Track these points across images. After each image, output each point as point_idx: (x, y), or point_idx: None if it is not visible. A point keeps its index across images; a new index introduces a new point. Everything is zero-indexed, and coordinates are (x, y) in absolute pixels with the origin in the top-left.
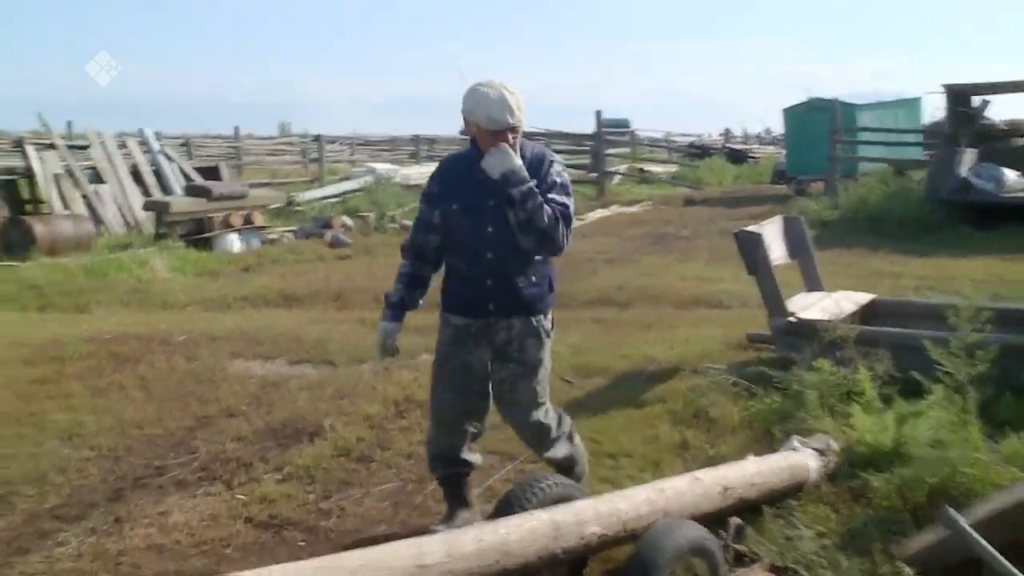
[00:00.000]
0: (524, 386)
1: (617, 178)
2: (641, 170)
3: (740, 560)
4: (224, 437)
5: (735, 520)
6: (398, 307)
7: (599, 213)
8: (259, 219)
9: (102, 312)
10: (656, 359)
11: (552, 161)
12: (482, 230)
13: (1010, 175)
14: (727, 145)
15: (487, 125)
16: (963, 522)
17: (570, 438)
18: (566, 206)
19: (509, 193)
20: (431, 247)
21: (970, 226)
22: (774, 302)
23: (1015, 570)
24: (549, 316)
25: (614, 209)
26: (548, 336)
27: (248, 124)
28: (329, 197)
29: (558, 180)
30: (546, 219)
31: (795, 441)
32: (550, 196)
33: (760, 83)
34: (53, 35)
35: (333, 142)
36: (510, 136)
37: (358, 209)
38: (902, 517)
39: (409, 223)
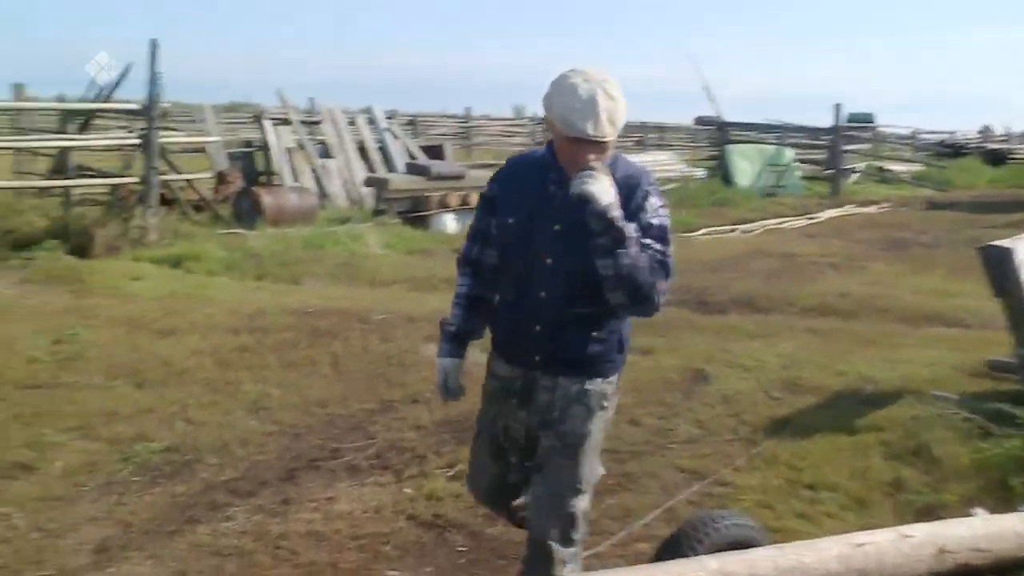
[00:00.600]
0: (560, 463)
1: (855, 176)
2: (881, 169)
3: None
4: (403, 425)
5: None
6: (457, 339)
7: (830, 212)
8: (476, 200)
9: (311, 284)
10: (875, 380)
11: (648, 192)
12: (538, 260)
13: None
14: (985, 144)
15: (564, 129)
16: None
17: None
18: (665, 255)
19: (599, 241)
20: (488, 264)
21: None
22: (1022, 328)
23: None
24: (613, 381)
25: (847, 209)
26: (603, 408)
27: (486, 106)
28: None
29: (655, 222)
30: (649, 273)
31: None
32: (643, 241)
33: None
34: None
35: None
36: (592, 152)
37: None
38: None
39: None
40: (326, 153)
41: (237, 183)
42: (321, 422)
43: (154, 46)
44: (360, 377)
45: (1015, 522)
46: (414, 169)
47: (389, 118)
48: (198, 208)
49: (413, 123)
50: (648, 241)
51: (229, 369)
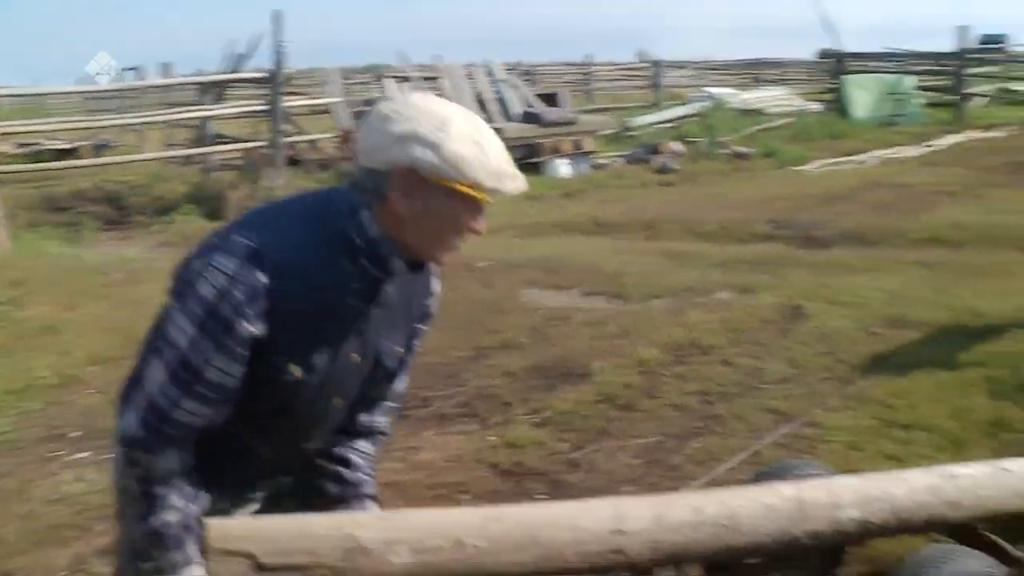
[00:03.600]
0: None
1: (983, 100)
2: (1007, 90)
3: None
4: (495, 372)
5: None
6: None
7: (949, 139)
8: (589, 144)
9: None
10: (984, 313)
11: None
12: (326, 407)
13: None
14: None
15: (471, 180)
16: None
17: None
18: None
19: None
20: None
21: None
22: None
23: None
24: None
25: (968, 135)
26: None
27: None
28: (664, 122)
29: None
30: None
31: None
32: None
33: None
34: None
35: (680, 67)
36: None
37: (691, 134)
38: None
39: (743, 149)
40: None
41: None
42: (418, 371)
43: (278, 17)
44: (459, 325)
45: None
46: (528, 118)
47: (510, 70)
48: (323, 166)
49: (530, 73)
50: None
51: None
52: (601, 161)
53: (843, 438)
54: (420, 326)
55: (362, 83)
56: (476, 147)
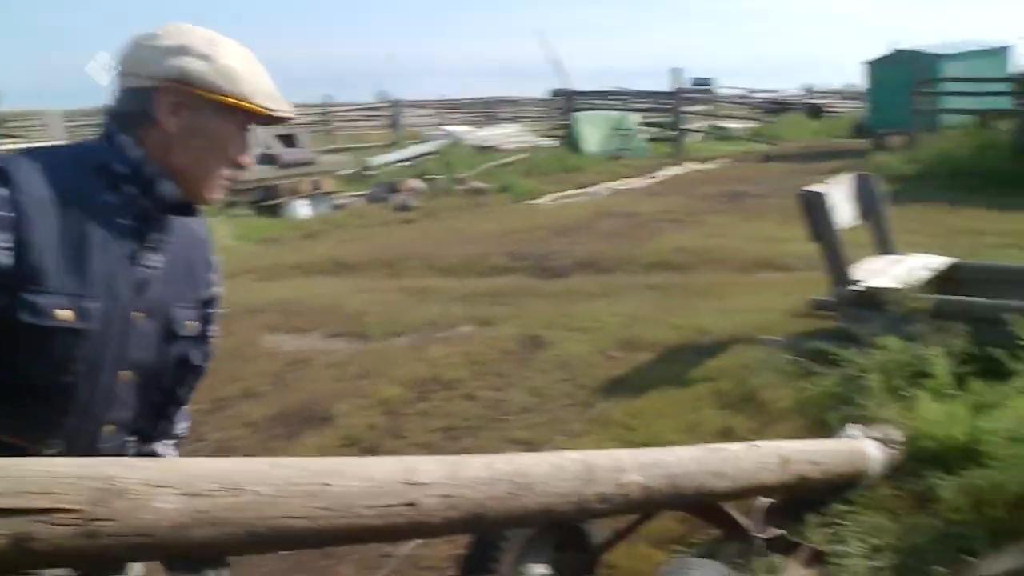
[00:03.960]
0: None
1: (696, 136)
2: (718, 127)
3: (777, 545)
4: (234, 423)
5: (763, 500)
6: None
7: (671, 171)
8: (328, 185)
9: None
10: (709, 331)
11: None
12: (111, 381)
13: None
14: (805, 100)
15: (235, 92)
16: None
17: None
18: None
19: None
20: None
21: None
22: (838, 270)
23: None
24: None
25: (687, 166)
26: None
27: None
28: (403, 161)
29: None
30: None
31: (851, 430)
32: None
33: (844, 36)
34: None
35: (420, 106)
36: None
37: (430, 172)
38: (975, 532)
39: (481, 185)
40: None
41: None
42: None
43: None
44: None
45: (836, 443)
46: (265, 159)
47: None
48: None
49: None
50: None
51: None
52: (342, 201)
53: None
54: (210, 308)
55: (89, 125)
56: (249, 65)
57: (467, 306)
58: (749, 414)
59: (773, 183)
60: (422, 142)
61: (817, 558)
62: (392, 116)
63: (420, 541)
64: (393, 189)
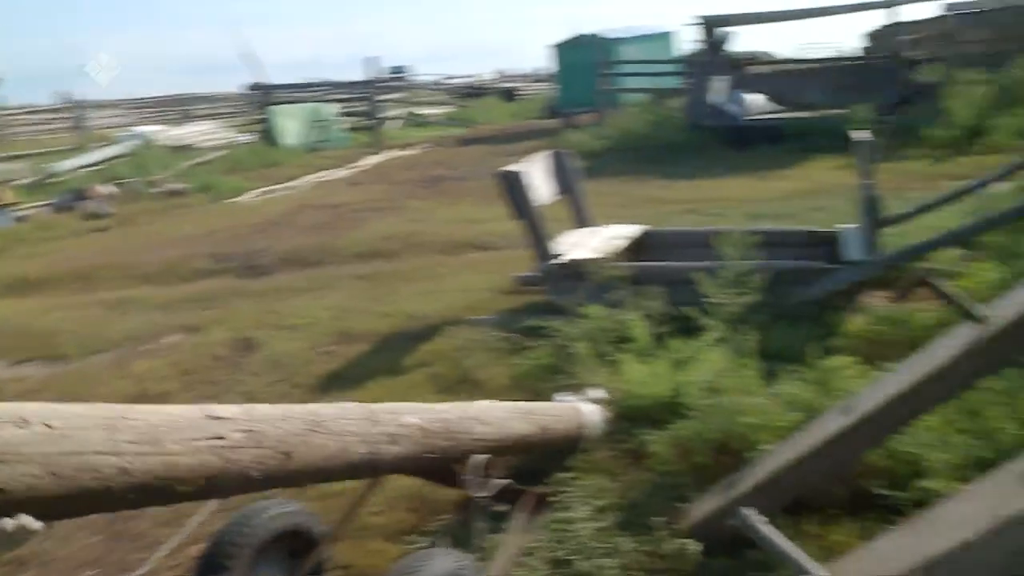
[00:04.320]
0: None
1: (395, 123)
2: (414, 114)
3: (504, 496)
4: None
5: (479, 457)
6: None
7: (372, 159)
8: (7, 196)
9: None
10: (420, 316)
11: None
12: None
13: (756, 99)
14: (500, 84)
15: None
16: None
17: None
18: None
19: None
20: None
21: (726, 148)
22: (540, 245)
23: (793, 552)
24: None
25: (386, 154)
26: None
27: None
28: (91, 165)
29: None
30: None
31: (561, 396)
32: None
33: (532, 22)
34: None
35: (106, 107)
36: None
37: (122, 175)
38: (684, 480)
39: (179, 186)
40: None
41: None
42: None
43: None
44: None
45: (565, 405)
46: None
47: None
48: None
49: None
50: None
51: None
52: (23, 213)
53: None
54: None
55: None
56: None
57: (172, 314)
58: (467, 395)
59: (471, 166)
60: (111, 144)
61: (542, 502)
62: (76, 118)
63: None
64: (82, 196)
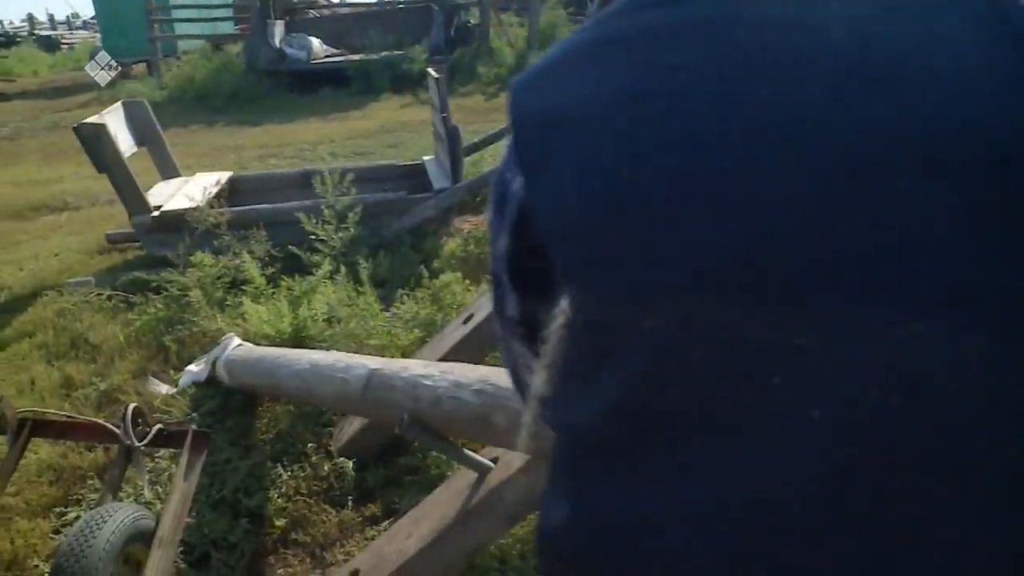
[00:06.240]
0: None
1: None
2: None
3: (162, 440)
4: None
5: (129, 406)
6: None
7: None
8: None
9: None
10: (7, 286)
11: None
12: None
13: (316, 43)
14: (35, 32)
15: None
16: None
17: None
18: None
19: None
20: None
21: (291, 92)
22: (133, 198)
23: None
24: None
25: None
26: None
27: None
28: None
29: None
30: None
31: (192, 366)
32: None
33: None
34: None
35: None
36: None
37: None
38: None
39: None
40: None
41: None
42: None
43: None
44: None
45: None
46: None
47: None
48: None
49: None
50: None
51: None
52: None
53: None
54: None
55: None
56: None
57: None
58: (85, 359)
59: (22, 124)
60: None
61: (204, 438)
62: None
63: None
64: None
